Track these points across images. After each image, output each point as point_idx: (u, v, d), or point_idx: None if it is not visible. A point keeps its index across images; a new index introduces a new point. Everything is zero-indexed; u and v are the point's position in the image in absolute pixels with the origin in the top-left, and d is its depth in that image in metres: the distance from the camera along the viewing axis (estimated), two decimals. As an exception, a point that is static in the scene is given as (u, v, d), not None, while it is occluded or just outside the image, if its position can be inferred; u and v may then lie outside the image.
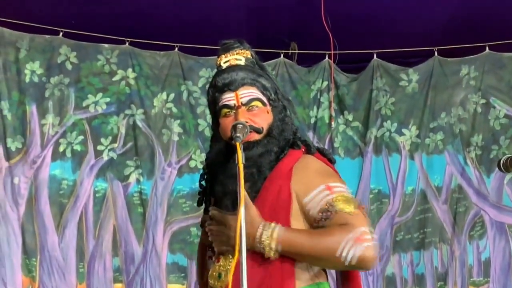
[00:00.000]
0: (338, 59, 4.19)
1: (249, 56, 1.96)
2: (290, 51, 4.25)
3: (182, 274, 3.98)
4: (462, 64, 4.23)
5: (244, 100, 1.88)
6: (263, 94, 1.91)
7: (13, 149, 3.84)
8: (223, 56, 1.95)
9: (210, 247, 2.03)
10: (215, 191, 1.91)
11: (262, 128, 1.87)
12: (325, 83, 4.24)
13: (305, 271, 1.80)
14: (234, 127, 1.78)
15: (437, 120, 4.20)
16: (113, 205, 3.97)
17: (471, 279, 4.09)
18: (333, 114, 4.22)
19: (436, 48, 4.21)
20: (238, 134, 1.74)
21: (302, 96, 4.25)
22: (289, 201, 1.79)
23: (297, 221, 1.79)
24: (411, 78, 4.26)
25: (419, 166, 4.17)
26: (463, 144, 4.18)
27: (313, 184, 1.79)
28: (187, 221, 4.00)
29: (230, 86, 1.88)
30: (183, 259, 3.99)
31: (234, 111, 1.87)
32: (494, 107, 4.19)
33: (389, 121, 4.22)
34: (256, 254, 1.72)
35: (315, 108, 4.24)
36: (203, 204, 2.03)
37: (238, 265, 1.56)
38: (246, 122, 1.83)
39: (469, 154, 4.17)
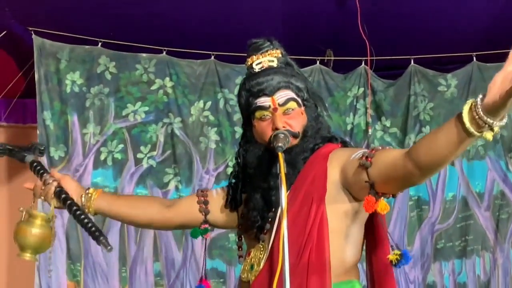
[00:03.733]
0: (375, 66, 4.17)
1: (280, 55, 1.95)
2: (326, 58, 4.24)
3: (221, 280, 3.99)
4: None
5: (280, 101, 1.87)
6: (297, 95, 1.91)
7: (56, 158, 3.92)
8: (254, 57, 1.94)
9: (240, 247, 2.04)
10: (254, 187, 1.93)
11: (299, 132, 1.88)
12: (362, 89, 4.21)
13: (338, 266, 1.78)
14: (276, 137, 1.79)
15: (477, 125, 4.13)
16: (153, 212, 4.01)
17: (515, 288, 4.01)
18: (370, 120, 4.20)
19: (474, 53, 4.15)
20: (280, 144, 1.75)
21: (338, 102, 4.23)
22: (324, 183, 1.79)
23: (331, 205, 1.78)
24: (449, 83, 4.20)
25: (460, 172, 4.10)
26: (504, 149, 4.10)
27: (352, 154, 1.79)
28: (225, 227, 4.02)
29: (266, 91, 1.88)
30: (222, 264, 4.00)
31: (270, 115, 1.87)
32: (539, 111, 4.10)
33: (428, 127, 4.16)
34: (294, 249, 1.70)
35: (351, 114, 4.21)
36: (232, 203, 2.07)
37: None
38: (284, 127, 1.84)
39: (511, 160, 4.10)
